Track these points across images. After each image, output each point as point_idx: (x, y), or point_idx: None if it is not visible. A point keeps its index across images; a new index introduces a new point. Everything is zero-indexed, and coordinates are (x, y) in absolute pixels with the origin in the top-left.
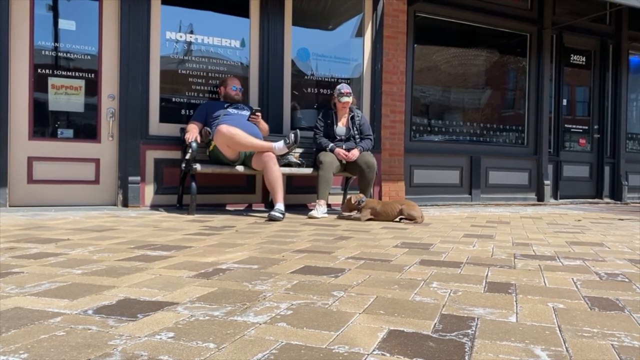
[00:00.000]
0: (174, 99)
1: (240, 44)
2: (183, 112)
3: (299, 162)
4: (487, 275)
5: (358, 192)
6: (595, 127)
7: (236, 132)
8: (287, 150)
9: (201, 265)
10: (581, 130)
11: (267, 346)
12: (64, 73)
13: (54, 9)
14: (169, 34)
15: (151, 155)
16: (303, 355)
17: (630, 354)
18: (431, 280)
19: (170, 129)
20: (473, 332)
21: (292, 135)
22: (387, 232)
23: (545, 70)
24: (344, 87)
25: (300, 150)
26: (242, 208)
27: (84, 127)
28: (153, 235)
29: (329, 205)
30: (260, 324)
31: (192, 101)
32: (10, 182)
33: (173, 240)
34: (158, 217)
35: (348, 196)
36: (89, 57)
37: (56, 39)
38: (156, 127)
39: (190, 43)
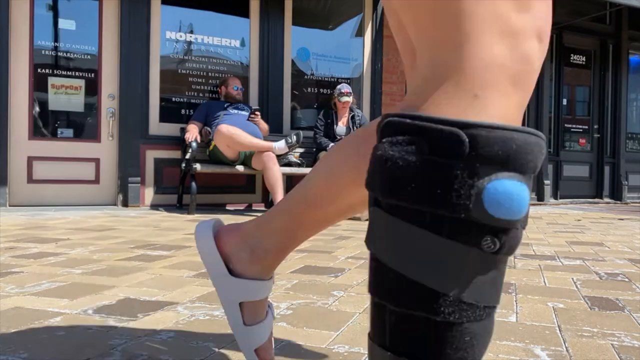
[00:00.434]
0: (174, 99)
1: (240, 44)
2: (183, 112)
3: (299, 161)
4: None
5: None
6: (595, 126)
7: (236, 132)
8: (287, 150)
9: (201, 265)
10: (581, 130)
11: None
12: (64, 73)
13: (54, 8)
14: (169, 33)
15: (151, 155)
16: (303, 354)
17: (630, 353)
18: None
19: (170, 129)
20: None
21: (294, 135)
22: None
23: (545, 70)
24: (344, 87)
25: (300, 150)
26: (242, 208)
27: (84, 126)
28: (153, 235)
29: None
30: None
31: (192, 101)
32: (10, 181)
33: (173, 240)
34: (158, 217)
35: None
36: (89, 56)
37: (56, 39)
38: (156, 127)
39: (190, 43)
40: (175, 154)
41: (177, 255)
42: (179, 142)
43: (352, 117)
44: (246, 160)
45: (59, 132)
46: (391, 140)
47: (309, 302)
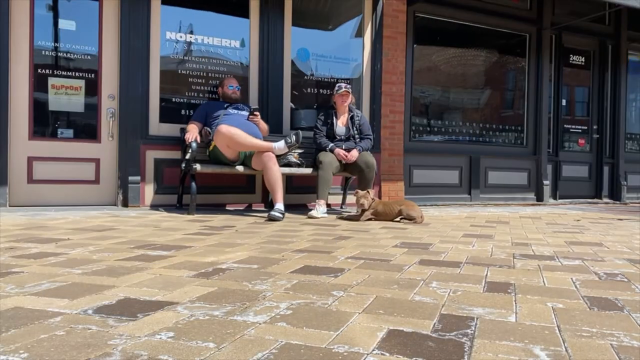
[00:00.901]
0: (174, 99)
1: (240, 44)
2: (183, 112)
3: (298, 162)
4: (486, 275)
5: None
6: (595, 127)
7: (236, 132)
8: (287, 150)
9: (201, 265)
10: (580, 131)
11: (267, 346)
12: (64, 73)
13: (54, 9)
14: (169, 34)
15: (151, 155)
16: (303, 354)
17: (630, 353)
18: (430, 280)
19: (170, 129)
20: (472, 331)
21: (294, 135)
22: (387, 232)
23: (545, 71)
24: (342, 85)
25: (300, 150)
26: (242, 208)
27: (84, 127)
28: (153, 235)
29: (328, 205)
30: (260, 324)
31: (192, 101)
32: (11, 182)
33: (173, 240)
34: (158, 217)
35: (363, 192)
36: (89, 57)
37: (56, 39)
38: (156, 127)
39: (190, 43)
40: (175, 154)
41: (177, 255)
42: (179, 142)
43: (352, 118)
44: (246, 160)
45: (59, 132)
46: None
47: (309, 302)
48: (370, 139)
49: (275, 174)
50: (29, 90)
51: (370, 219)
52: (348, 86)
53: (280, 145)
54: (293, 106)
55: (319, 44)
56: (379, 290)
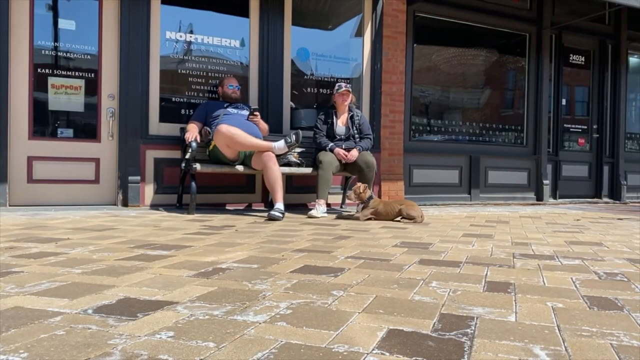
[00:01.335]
0: (174, 99)
1: (240, 44)
2: (183, 111)
3: (298, 161)
4: (486, 274)
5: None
6: (594, 126)
7: (236, 132)
8: (286, 150)
9: (201, 265)
10: (580, 130)
11: (267, 345)
12: (64, 73)
13: (54, 8)
14: (169, 33)
15: (151, 155)
16: (302, 354)
17: (629, 353)
18: (430, 280)
19: (170, 129)
20: (472, 331)
21: (294, 135)
22: (387, 232)
23: (545, 70)
24: (343, 84)
25: (300, 149)
26: (242, 208)
27: (84, 126)
28: (153, 234)
29: (328, 205)
30: (259, 323)
31: (192, 101)
32: (10, 181)
33: (173, 239)
34: (158, 217)
35: (357, 184)
36: (89, 57)
37: (56, 39)
38: (156, 126)
39: (190, 43)
40: (175, 154)
41: (177, 255)
42: (179, 142)
43: (351, 117)
44: (246, 160)
45: (59, 132)
46: None
47: (309, 302)
48: (370, 139)
49: (275, 174)
50: (28, 90)
51: (370, 219)
52: (348, 85)
53: (280, 144)
54: (293, 106)
55: (318, 43)
56: (379, 289)
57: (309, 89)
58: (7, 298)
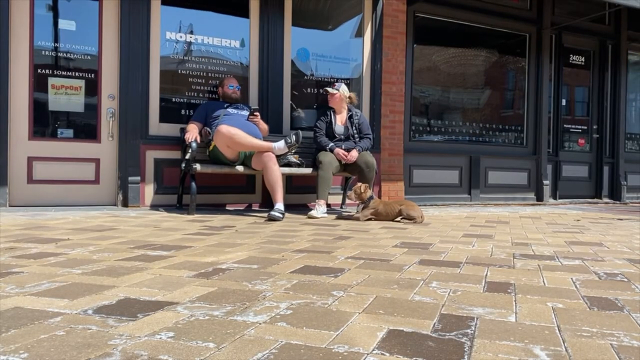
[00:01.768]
0: (174, 99)
1: (240, 44)
2: (183, 112)
3: (298, 162)
4: (486, 275)
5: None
6: (595, 127)
7: (236, 132)
8: (286, 150)
9: (201, 265)
10: (580, 130)
11: (267, 346)
12: (64, 73)
13: (54, 9)
14: (169, 34)
15: (151, 155)
16: (303, 354)
17: (630, 353)
18: (430, 280)
19: (170, 129)
20: (472, 331)
21: (294, 135)
22: (387, 232)
23: (545, 71)
24: (337, 84)
25: (300, 150)
26: (242, 208)
27: (84, 127)
28: (153, 235)
29: (328, 205)
30: (260, 324)
31: (192, 101)
32: (11, 182)
33: (173, 240)
34: (158, 217)
35: (358, 184)
36: (89, 57)
37: (56, 39)
38: (156, 127)
39: (190, 43)
40: (175, 154)
41: (177, 255)
42: (179, 142)
43: (350, 117)
44: (246, 160)
45: (59, 132)
46: None
47: (309, 302)
48: (370, 139)
49: (275, 174)
50: (29, 90)
51: (370, 219)
52: (337, 85)
53: (280, 145)
54: (293, 106)
55: (319, 43)
56: (379, 290)
57: (309, 89)
58: (7, 298)
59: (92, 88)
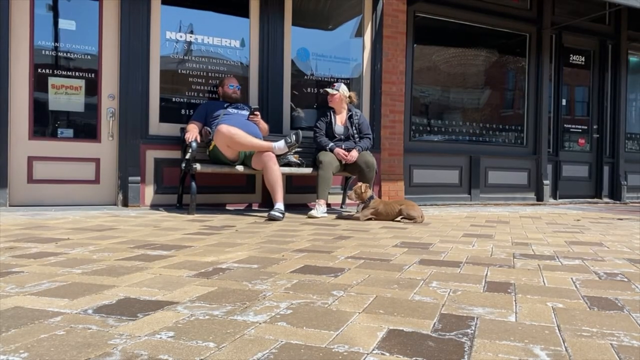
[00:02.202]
0: (174, 99)
1: (240, 44)
2: (183, 112)
3: (298, 161)
4: (486, 274)
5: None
6: (595, 127)
7: (236, 132)
8: (287, 150)
9: (201, 265)
10: (580, 130)
11: (267, 345)
12: (64, 73)
13: (54, 9)
14: (169, 34)
15: (151, 155)
16: (303, 354)
17: (630, 353)
18: (431, 280)
19: (170, 129)
20: (472, 331)
21: (294, 135)
22: (387, 232)
23: (545, 70)
24: (336, 84)
25: (300, 149)
26: (242, 208)
27: (84, 126)
28: (153, 234)
29: (328, 205)
30: (260, 324)
31: (192, 101)
32: (11, 181)
33: (173, 239)
34: (158, 217)
35: (358, 184)
36: (89, 57)
37: (56, 39)
38: (156, 127)
39: (190, 43)
40: (175, 154)
41: (177, 255)
42: (179, 142)
43: (350, 117)
44: (246, 160)
45: (59, 132)
46: None
47: (309, 302)
48: (370, 139)
49: (276, 174)
50: (29, 90)
51: (370, 219)
52: (337, 85)
53: (280, 145)
54: (293, 106)
55: (319, 43)
56: (379, 290)
57: (309, 89)
58: (7, 298)
59: (92, 88)
